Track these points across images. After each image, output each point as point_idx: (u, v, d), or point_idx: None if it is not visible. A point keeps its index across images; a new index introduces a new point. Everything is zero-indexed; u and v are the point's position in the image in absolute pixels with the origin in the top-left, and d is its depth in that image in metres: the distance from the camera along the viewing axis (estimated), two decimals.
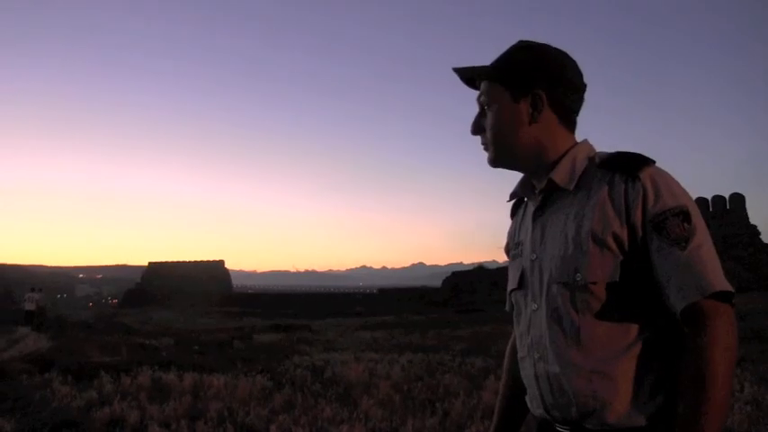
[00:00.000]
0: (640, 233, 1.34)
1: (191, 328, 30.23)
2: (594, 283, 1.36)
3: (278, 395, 7.91)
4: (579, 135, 1.57)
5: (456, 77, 1.63)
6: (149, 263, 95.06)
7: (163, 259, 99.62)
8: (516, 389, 1.72)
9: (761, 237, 48.81)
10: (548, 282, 1.45)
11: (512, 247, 1.68)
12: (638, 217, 1.34)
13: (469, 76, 1.61)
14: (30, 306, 25.19)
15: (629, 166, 1.39)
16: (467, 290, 58.68)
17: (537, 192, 1.55)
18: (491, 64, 1.57)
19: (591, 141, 1.56)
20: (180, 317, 44.80)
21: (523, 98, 1.52)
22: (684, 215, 1.32)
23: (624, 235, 1.35)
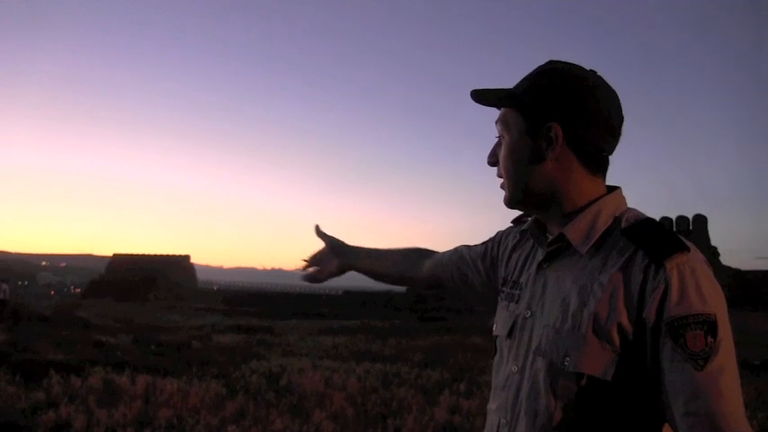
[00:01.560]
0: (650, 333, 1.11)
1: (152, 323, 29.89)
2: (584, 374, 1.15)
3: (230, 403, 7.85)
4: None
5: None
6: (114, 254, 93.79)
7: (128, 251, 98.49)
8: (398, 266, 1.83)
9: (720, 258, 49.83)
10: (534, 351, 1.26)
11: (509, 282, 1.46)
12: (651, 313, 1.11)
13: (484, 101, 1.37)
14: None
15: (657, 248, 1.14)
16: (432, 296, 58.82)
17: (547, 241, 1.33)
18: (513, 87, 1.34)
19: None
20: (143, 311, 44.24)
21: (539, 131, 1.27)
22: (710, 327, 1.08)
23: (630, 330, 1.13)
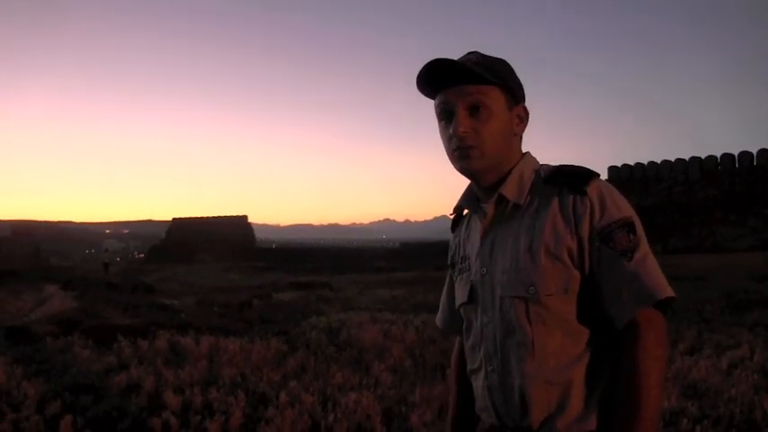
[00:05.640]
0: (587, 246, 1.41)
1: (213, 284, 30.68)
2: (549, 296, 1.42)
3: (292, 359, 8.02)
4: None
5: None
6: (173, 218, 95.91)
7: (187, 215, 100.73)
8: (467, 397, 1.73)
9: None
10: (500, 295, 1.49)
11: (457, 261, 1.71)
12: (585, 230, 1.41)
13: (459, 70, 1.49)
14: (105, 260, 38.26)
15: (576, 181, 1.45)
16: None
17: (484, 206, 1.58)
18: (476, 65, 1.49)
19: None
20: (204, 273, 45.36)
21: (514, 108, 1.54)
22: (629, 227, 1.40)
23: (575, 248, 1.41)
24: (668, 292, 1.37)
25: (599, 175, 1.46)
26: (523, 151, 1.60)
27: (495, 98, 1.50)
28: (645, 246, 1.41)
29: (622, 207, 1.42)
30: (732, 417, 4.98)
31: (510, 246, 1.48)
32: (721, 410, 5.11)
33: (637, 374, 1.32)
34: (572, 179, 1.45)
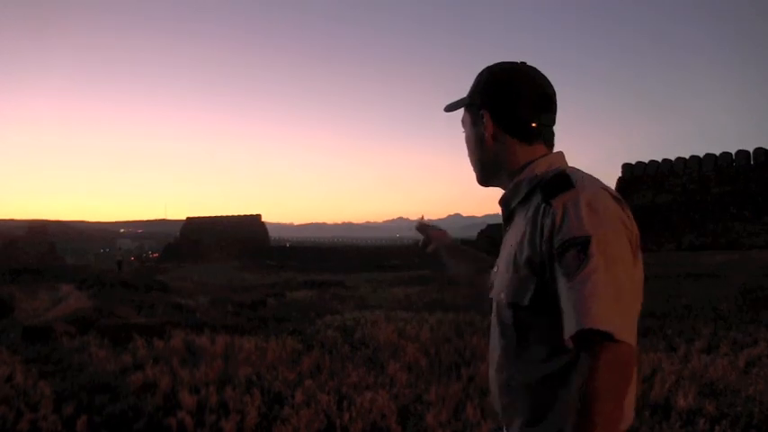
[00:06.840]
0: (547, 262, 1.39)
1: (228, 283, 30.72)
2: (515, 303, 1.46)
3: (306, 358, 8.03)
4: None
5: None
6: (187, 218, 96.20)
7: (201, 214, 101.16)
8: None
9: None
10: (494, 297, 1.60)
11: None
12: (546, 242, 1.40)
13: (452, 110, 1.75)
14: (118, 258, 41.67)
15: (548, 191, 1.44)
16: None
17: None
18: (457, 101, 1.73)
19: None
20: (218, 272, 45.43)
21: (478, 120, 1.63)
22: (584, 245, 1.31)
23: (536, 262, 1.42)
24: (598, 323, 1.25)
25: (574, 186, 1.40)
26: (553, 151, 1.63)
27: (465, 120, 1.70)
28: (595, 266, 1.30)
29: (586, 223, 1.33)
30: (751, 416, 4.94)
31: (507, 249, 1.56)
32: (739, 410, 5.07)
33: (581, 396, 1.25)
34: (547, 188, 1.45)
